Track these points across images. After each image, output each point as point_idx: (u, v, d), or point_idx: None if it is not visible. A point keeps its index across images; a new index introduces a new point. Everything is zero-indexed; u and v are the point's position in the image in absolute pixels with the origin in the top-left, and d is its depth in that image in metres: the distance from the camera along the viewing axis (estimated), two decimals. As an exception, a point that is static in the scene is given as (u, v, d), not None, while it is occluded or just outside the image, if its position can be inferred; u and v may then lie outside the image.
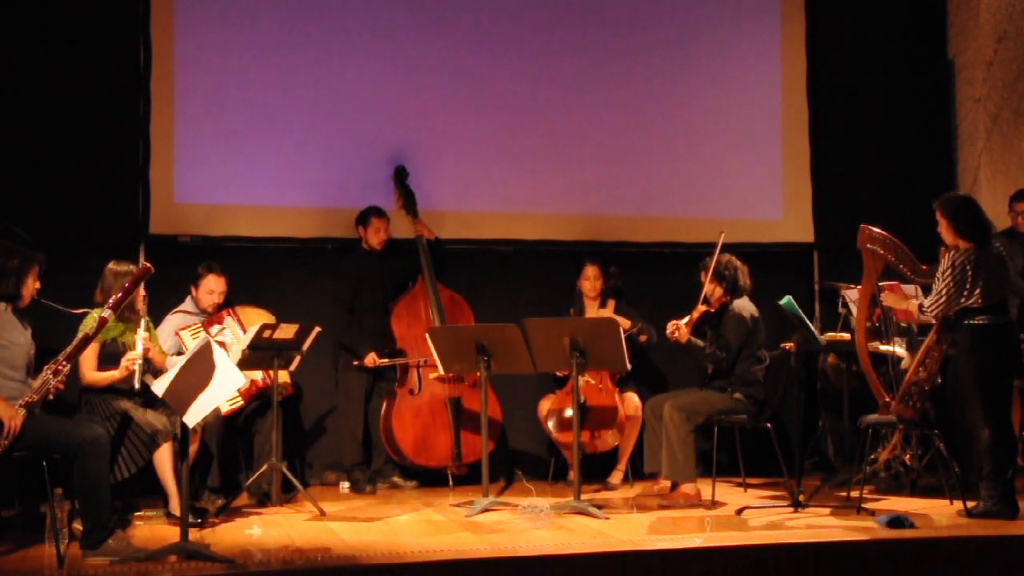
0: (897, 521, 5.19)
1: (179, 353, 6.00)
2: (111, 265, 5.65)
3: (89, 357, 5.56)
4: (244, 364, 5.72)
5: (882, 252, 5.70)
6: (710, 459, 6.37)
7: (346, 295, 6.90)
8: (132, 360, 5.41)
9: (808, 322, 6.01)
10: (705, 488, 6.23)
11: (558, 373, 6.93)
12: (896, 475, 6.54)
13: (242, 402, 6.18)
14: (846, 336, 6.51)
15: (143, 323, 5.50)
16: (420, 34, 7.37)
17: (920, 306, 5.65)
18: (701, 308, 6.35)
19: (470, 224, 7.42)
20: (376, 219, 6.97)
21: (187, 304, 6.43)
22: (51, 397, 4.87)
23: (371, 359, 6.75)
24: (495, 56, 7.51)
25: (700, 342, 6.33)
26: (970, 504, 5.57)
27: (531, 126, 7.53)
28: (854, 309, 6.26)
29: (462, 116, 7.43)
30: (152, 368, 5.69)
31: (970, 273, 5.43)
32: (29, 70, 6.71)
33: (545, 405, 6.94)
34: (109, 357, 5.62)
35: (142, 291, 5.70)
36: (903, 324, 6.20)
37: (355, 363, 6.79)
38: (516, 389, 7.13)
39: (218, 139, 7.02)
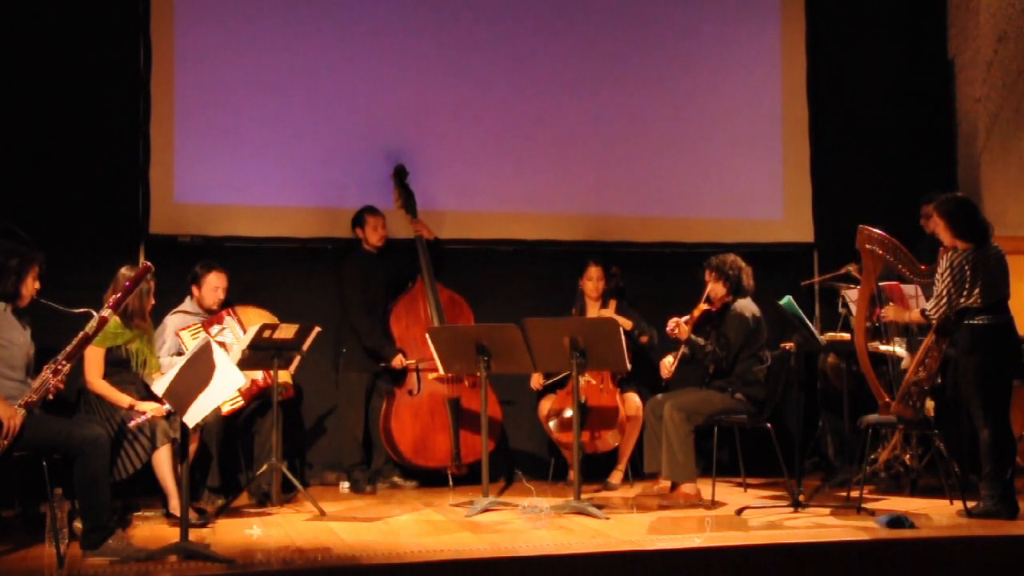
0: (897, 521, 5.19)
1: (179, 353, 6.00)
2: (123, 270, 5.64)
3: (95, 362, 5.58)
4: (244, 364, 5.72)
5: (881, 252, 5.71)
6: (710, 459, 6.38)
7: (359, 298, 6.87)
8: (138, 415, 5.47)
9: (808, 322, 6.01)
10: (705, 488, 6.23)
11: (534, 386, 6.93)
12: (896, 475, 6.54)
13: (243, 402, 6.17)
14: (846, 336, 6.51)
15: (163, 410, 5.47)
16: (420, 34, 7.37)
17: (922, 311, 5.65)
18: (703, 307, 6.36)
19: (470, 224, 7.42)
20: (371, 217, 6.95)
21: (187, 304, 6.42)
22: (50, 397, 4.87)
23: (399, 360, 6.75)
24: (495, 56, 7.50)
25: (700, 340, 6.33)
26: (970, 504, 5.57)
27: (531, 126, 7.53)
28: (854, 309, 6.26)
29: (462, 116, 7.42)
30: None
31: (968, 273, 5.43)
32: (29, 70, 6.71)
33: (545, 405, 6.93)
34: (115, 362, 5.63)
35: (152, 300, 5.72)
36: (902, 324, 6.20)
37: (382, 364, 6.78)
38: (516, 389, 7.13)
39: (218, 139, 7.02)
